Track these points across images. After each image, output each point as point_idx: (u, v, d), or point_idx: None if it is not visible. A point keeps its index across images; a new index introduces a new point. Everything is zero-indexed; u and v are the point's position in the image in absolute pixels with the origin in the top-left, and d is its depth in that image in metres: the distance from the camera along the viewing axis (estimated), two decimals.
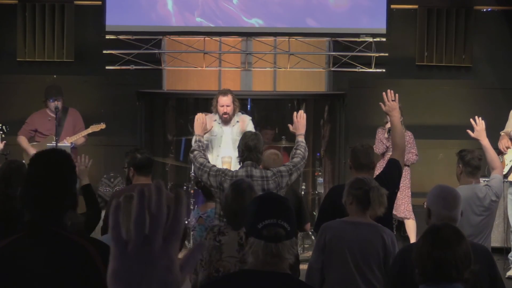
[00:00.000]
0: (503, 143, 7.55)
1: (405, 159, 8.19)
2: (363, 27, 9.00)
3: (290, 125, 5.57)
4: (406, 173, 8.30)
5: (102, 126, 8.15)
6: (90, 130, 8.11)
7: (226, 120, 7.45)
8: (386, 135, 8.11)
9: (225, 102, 7.40)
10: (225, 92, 7.49)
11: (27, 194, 2.63)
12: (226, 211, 4.08)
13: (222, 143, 7.45)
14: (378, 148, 8.21)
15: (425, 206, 3.96)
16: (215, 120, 7.46)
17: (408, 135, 8.36)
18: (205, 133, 5.58)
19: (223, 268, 3.88)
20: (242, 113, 7.80)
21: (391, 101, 5.34)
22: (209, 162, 5.27)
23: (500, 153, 7.52)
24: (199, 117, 5.54)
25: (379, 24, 8.97)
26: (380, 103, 5.40)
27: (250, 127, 7.34)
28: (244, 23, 9.01)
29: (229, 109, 7.41)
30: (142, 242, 1.07)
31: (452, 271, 2.86)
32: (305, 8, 8.98)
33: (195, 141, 5.38)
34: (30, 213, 2.61)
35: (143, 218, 1.07)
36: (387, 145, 8.01)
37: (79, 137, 8.08)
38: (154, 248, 1.07)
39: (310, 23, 9.00)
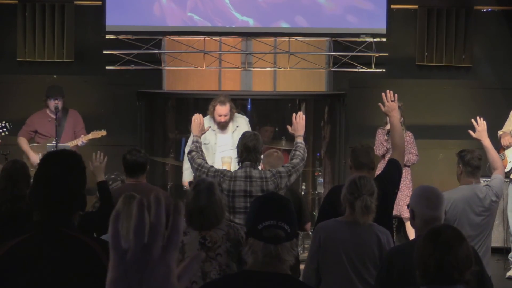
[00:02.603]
0: (506, 139, 7.55)
1: (405, 160, 8.22)
2: (363, 27, 9.00)
3: (289, 126, 5.57)
4: (406, 173, 8.29)
5: (103, 133, 8.08)
6: (90, 136, 8.06)
7: (223, 126, 7.21)
8: (386, 137, 8.10)
9: (222, 112, 7.12)
10: (223, 101, 7.14)
11: (36, 194, 2.63)
12: (186, 211, 4.10)
13: (216, 151, 7.19)
14: (378, 149, 8.20)
15: (408, 208, 3.96)
16: (209, 127, 7.28)
17: (408, 136, 8.35)
18: (202, 134, 5.57)
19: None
20: (239, 113, 7.57)
21: (390, 101, 5.35)
22: (207, 162, 5.26)
23: (500, 151, 7.51)
24: (196, 118, 5.53)
25: (379, 24, 8.96)
26: (379, 103, 5.40)
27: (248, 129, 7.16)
28: (238, 21, 8.99)
29: (226, 118, 7.16)
30: (141, 251, 1.08)
31: (454, 272, 2.86)
32: (305, 8, 8.98)
33: (193, 142, 5.37)
34: (38, 213, 2.61)
35: (143, 227, 1.09)
36: (387, 147, 8.00)
37: (86, 139, 8.01)
38: (153, 257, 1.08)
39: (310, 23, 8.99)
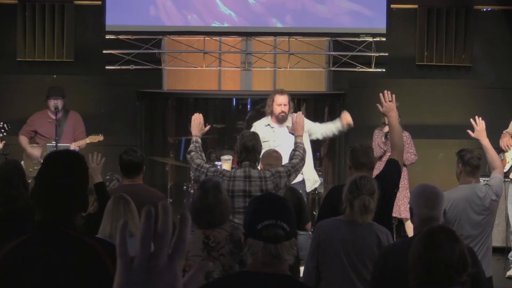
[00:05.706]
0: (504, 141, 7.55)
1: (403, 159, 8.20)
2: (363, 27, 9.00)
3: (288, 126, 5.56)
4: (404, 173, 8.27)
5: (100, 138, 8.02)
6: (88, 140, 8.04)
7: (283, 119, 7.33)
8: (383, 139, 8.07)
9: (282, 101, 7.32)
10: (281, 91, 7.43)
11: (38, 193, 2.63)
12: (191, 209, 4.11)
13: (276, 147, 7.17)
14: (375, 151, 8.17)
15: (409, 206, 3.96)
16: (268, 124, 7.35)
17: (405, 136, 8.33)
18: (202, 133, 5.56)
19: (189, 268, 3.86)
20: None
21: (388, 102, 5.34)
22: (206, 163, 5.25)
23: (500, 151, 7.52)
24: (196, 118, 5.51)
25: (379, 24, 8.97)
26: (377, 104, 5.40)
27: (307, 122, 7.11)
28: (234, 21, 9.00)
29: (286, 108, 7.34)
30: (147, 259, 1.10)
31: (445, 275, 2.83)
32: (305, 8, 8.98)
33: (192, 142, 5.35)
34: (40, 213, 2.61)
35: (149, 236, 1.10)
36: (385, 149, 7.99)
37: (79, 145, 8.00)
38: (159, 265, 1.10)
39: (309, 22, 8.99)
